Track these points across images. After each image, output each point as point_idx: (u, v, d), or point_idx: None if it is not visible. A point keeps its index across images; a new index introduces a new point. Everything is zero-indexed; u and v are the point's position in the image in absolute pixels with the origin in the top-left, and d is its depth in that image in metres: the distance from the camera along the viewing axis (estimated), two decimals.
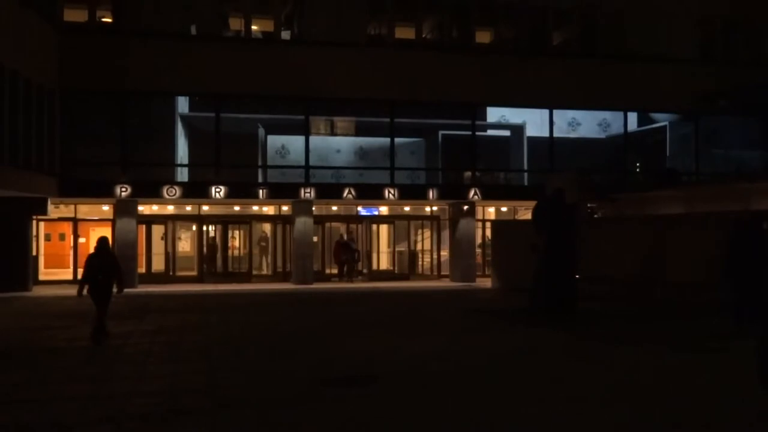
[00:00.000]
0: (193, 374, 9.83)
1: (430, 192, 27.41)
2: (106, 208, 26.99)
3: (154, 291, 23.46)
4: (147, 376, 9.71)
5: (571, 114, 30.27)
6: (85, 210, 27.45)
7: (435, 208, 29.53)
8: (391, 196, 26.78)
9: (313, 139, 27.82)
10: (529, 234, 17.35)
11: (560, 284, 15.89)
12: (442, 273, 28.97)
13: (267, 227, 29.45)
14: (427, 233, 29.91)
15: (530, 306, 16.28)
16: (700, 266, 16.17)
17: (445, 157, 29.66)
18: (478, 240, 29.25)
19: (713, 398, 8.03)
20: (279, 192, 26.50)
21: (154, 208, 27.55)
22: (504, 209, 30.68)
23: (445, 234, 29.18)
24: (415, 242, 29.99)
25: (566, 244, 16.17)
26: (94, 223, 29.42)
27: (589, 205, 22.68)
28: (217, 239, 28.19)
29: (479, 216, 29.19)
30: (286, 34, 27.65)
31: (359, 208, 28.75)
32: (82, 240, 28.88)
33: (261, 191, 26.12)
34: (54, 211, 25.47)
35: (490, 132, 30.92)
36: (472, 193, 27.39)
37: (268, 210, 29.09)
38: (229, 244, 28.38)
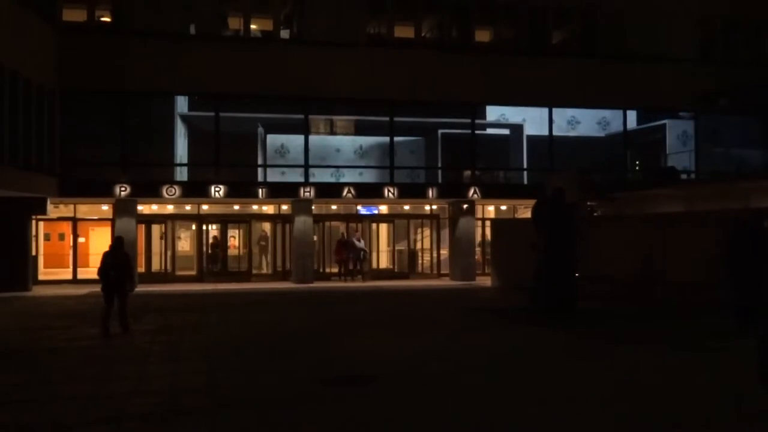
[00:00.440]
0: (194, 374, 9.83)
1: (429, 191, 27.40)
2: (105, 207, 26.99)
3: (153, 290, 23.45)
4: (147, 375, 9.71)
5: (570, 113, 30.27)
6: (84, 210, 27.46)
7: (435, 207, 29.53)
8: (390, 195, 26.77)
9: (312, 138, 27.82)
10: (528, 233, 17.35)
11: (560, 283, 15.89)
12: (442, 272, 28.97)
13: (267, 226, 29.45)
14: (427, 232, 29.91)
15: (530, 305, 16.28)
16: (701, 265, 16.17)
17: (445, 156, 29.66)
18: (478, 239, 29.26)
19: (714, 397, 8.03)
20: (279, 191, 26.50)
21: (153, 208, 27.55)
22: (504, 208, 30.69)
23: (445, 233, 29.18)
24: (415, 241, 29.99)
25: (566, 243, 16.17)
26: (94, 223, 29.46)
27: (588, 203, 22.69)
28: (211, 239, 28.19)
29: (479, 215, 29.20)
30: (285, 34, 27.65)
31: (359, 207, 28.76)
32: (81, 240, 28.91)
33: (260, 190, 26.11)
34: (53, 210, 25.47)
35: (490, 131, 30.92)
36: (471, 191, 27.39)
37: (268, 209, 29.09)
38: (229, 244, 28.38)
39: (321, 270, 28.14)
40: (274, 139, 28.79)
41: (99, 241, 29.96)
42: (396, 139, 27.80)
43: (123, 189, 24.77)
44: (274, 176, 27.79)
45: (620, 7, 28.52)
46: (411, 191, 27.70)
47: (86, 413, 7.69)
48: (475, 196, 27.39)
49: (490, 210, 30.71)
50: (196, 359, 11.05)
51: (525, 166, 29.83)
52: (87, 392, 8.67)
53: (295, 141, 27.84)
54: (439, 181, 28.74)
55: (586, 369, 9.81)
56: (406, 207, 29.61)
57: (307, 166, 26.80)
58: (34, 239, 25.41)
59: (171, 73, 25.31)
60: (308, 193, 26.23)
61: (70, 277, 26.62)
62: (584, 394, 8.25)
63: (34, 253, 25.40)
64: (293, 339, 13.00)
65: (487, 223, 29.22)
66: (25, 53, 21.71)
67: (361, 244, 27.33)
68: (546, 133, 28.57)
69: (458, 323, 15.12)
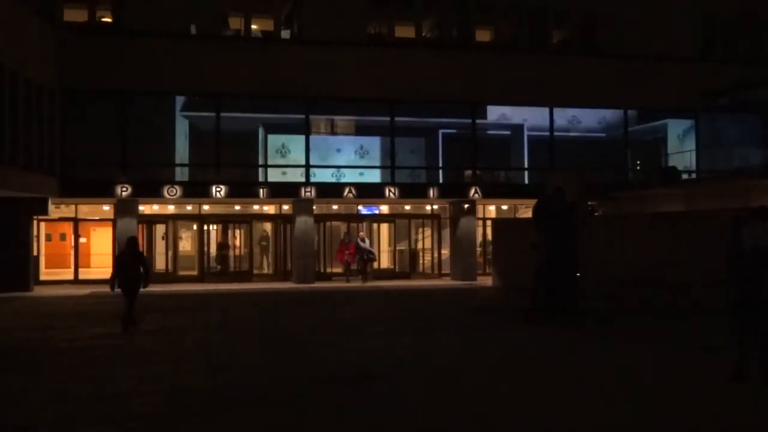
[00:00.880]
0: (194, 374, 9.84)
1: (430, 191, 27.40)
2: (106, 207, 27.01)
3: (155, 290, 23.32)
4: (148, 376, 9.71)
5: (571, 112, 30.23)
6: (85, 210, 27.48)
7: (435, 207, 29.53)
8: (391, 195, 26.77)
9: (313, 138, 27.82)
10: (529, 232, 17.34)
11: (561, 283, 15.88)
12: (443, 271, 28.97)
13: (268, 226, 29.45)
14: (428, 232, 29.91)
15: (531, 305, 16.26)
16: (702, 264, 16.15)
17: (446, 155, 29.66)
18: (479, 238, 29.25)
19: (714, 397, 8.03)
20: (279, 191, 26.51)
21: (154, 208, 27.57)
22: (504, 208, 30.69)
23: (446, 233, 29.17)
24: (416, 241, 29.99)
25: (566, 242, 16.16)
26: (95, 223, 29.48)
27: (589, 203, 22.68)
28: (219, 239, 28.20)
29: (480, 214, 29.19)
30: (286, 34, 27.66)
31: (360, 207, 28.75)
32: (83, 240, 28.92)
33: (261, 190, 26.12)
34: (54, 211, 25.48)
35: (491, 130, 30.91)
36: (472, 191, 27.38)
37: (269, 209, 29.10)
38: (230, 244, 28.38)
39: (322, 270, 28.13)
40: (274, 139, 28.79)
41: (100, 242, 30.03)
42: (397, 138, 27.79)
43: (124, 189, 24.78)
44: (274, 176, 27.79)
45: (620, 6, 28.51)
46: (412, 191, 27.70)
47: (87, 413, 7.69)
48: (476, 195, 27.39)
49: (491, 210, 30.71)
50: (197, 359, 11.05)
51: (526, 165, 29.82)
52: (88, 392, 8.67)
53: (296, 141, 27.84)
54: (440, 181, 28.74)
55: (587, 368, 9.80)
56: (407, 207, 29.61)
57: (308, 166, 26.81)
58: (35, 239, 25.43)
59: (172, 73, 25.33)
60: (309, 193, 26.23)
61: (71, 277, 26.62)
62: (585, 394, 8.26)
63: (35, 253, 25.41)
64: (295, 338, 13.00)
65: (488, 222, 29.21)
66: (25, 53, 21.73)
67: (366, 244, 26.85)
68: (547, 132, 28.57)
69: (459, 323, 15.11)
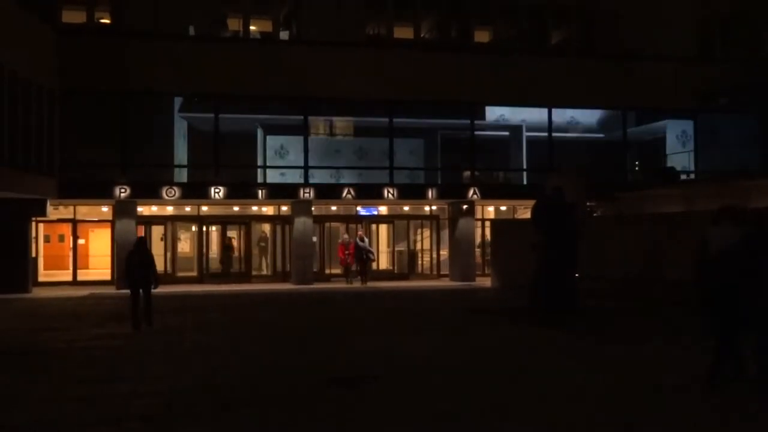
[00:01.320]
0: (194, 375, 9.82)
1: (429, 191, 27.42)
2: (105, 209, 27.00)
3: (154, 292, 23.36)
4: (147, 376, 9.70)
5: (570, 113, 30.27)
6: (84, 211, 27.46)
7: (434, 208, 29.53)
8: (390, 195, 26.78)
9: (312, 139, 27.83)
10: (528, 233, 17.33)
11: (560, 283, 15.87)
12: (442, 272, 28.97)
13: (266, 227, 29.45)
14: (427, 233, 29.91)
15: (530, 305, 16.25)
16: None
17: (444, 156, 29.68)
18: (478, 239, 29.26)
19: (715, 395, 8.02)
20: (278, 192, 26.52)
21: (153, 209, 27.55)
22: (503, 208, 30.70)
23: (445, 233, 29.19)
24: (415, 242, 29.99)
25: (566, 242, 16.14)
26: (94, 224, 29.47)
27: (588, 203, 22.68)
28: (217, 240, 28.19)
29: (478, 215, 29.21)
30: (284, 35, 27.68)
31: (359, 208, 28.75)
32: (81, 241, 28.91)
33: (260, 191, 26.13)
34: (53, 212, 25.48)
35: (489, 131, 30.91)
36: (471, 192, 27.39)
37: (268, 210, 29.09)
38: (235, 245, 28.36)
39: (321, 271, 28.12)
40: (273, 140, 28.80)
41: (99, 243, 30.02)
42: (395, 139, 27.80)
43: (123, 190, 24.77)
44: (273, 177, 27.81)
45: (619, 7, 28.54)
46: (410, 192, 27.71)
47: (86, 414, 7.68)
48: (475, 196, 27.40)
49: (490, 210, 30.72)
50: (197, 360, 11.03)
51: (524, 166, 29.83)
52: (87, 393, 8.65)
53: (295, 142, 27.84)
54: (439, 181, 28.76)
55: (587, 368, 9.79)
56: (406, 208, 29.61)
57: (306, 167, 26.81)
58: (33, 241, 25.42)
59: (170, 74, 25.33)
60: (308, 194, 26.24)
61: (70, 278, 26.62)
62: (585, 394, 8.24)
63: (33, 254, 25.40)
64: (294, 339, 12.99)
65: (487, 223, 29.24)
66: (24, 54, 21.73)
67: (365, 244, 26.51)
68: (545, 133, 28.58)
69: (458, 324, 15.10)
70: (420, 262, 29.96)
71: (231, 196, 25.73)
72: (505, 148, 30.77)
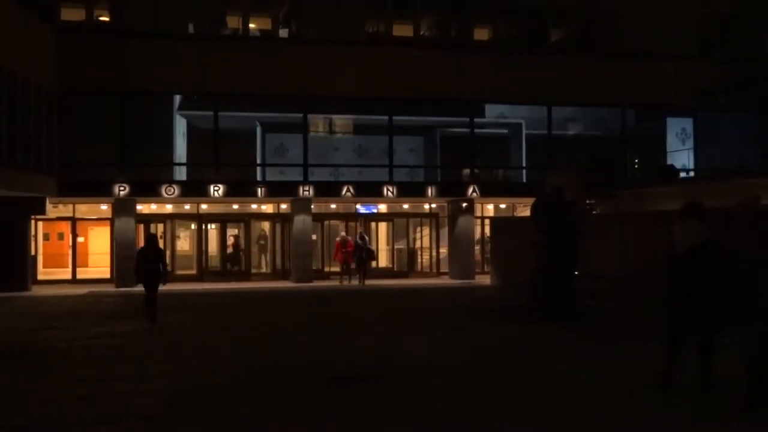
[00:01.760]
0: (194, 373, 9.82)
1: (428, 189, 27.41)
2: (104, 207, 26.99)
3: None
4: (147, 375, 9.70)
5: (569, 110, 30.26)
6: (83, 209, 27.44)
7: (434, 206, 29.53)
8: (389, 193, 26.78)
9: (311, 137, 27.81)
10: (528, 231, 17.33)
11: (559, 281, 15.87)
12: (441, 270, 28.98)
13: (266, 225, 29.44)
14: (426, 231, 29.91)
15: (530, 303, 16.26)
16: None
17: (444, 154, 29.69)
18: (477, 237, 29.25)
19: (714, 393, 8.03)
20: (278, 190, 26.52)
21: (152, 207, 27.54)
22: (503, 206, 30.69)
23: (444, 231, 29.19)
24: (414, 240, 29.98)
25: (565, 240, 16.14)
26: (93, 223, 29.44)
27: (588, 201, 22.68)
28: (216, 238, 28.18)
29: (478, 213, 29.20)
30: (284, 33, 27.65)
31: (358, 206, 28.74)
32: (80, 239, 28.89)
33: (260, 189, 26.13)
34: (52, 210, 25.48)
35: (489, 129, 30.91)
36: (470, 190, 27.39)
37: (267, 208, 29.08)
38: (228, 243, 28.37)
39: (321, 269, 28.11)
40: (273, 138, 28.80)
41: (98, 241, 30.00)
42: (395, 137, 27.78)
43: (122, 188, 24.77)
44: (273, 175, 27.81)
45: (618, 5, 28.51)
46: (410, 190, 27.70)
47: (86, 413, 7.68)
48: (474, 194, 27.40)
49: (489, 208, 30.72)
50: (197, 358, 11.03)
51: (524, 164, 29.83)
52: (87, 392, 8.66)
53: (294, 140, 27.82)
54: (438, 179, 28.76)
55: (585, 367, 9.80)
56: (405, 206, 29.61)
57: (306, 165, 26.80)
58: (33, 239, 25.43)
59: (170, 73, 25.30)
60: (307, 192, 26.23)
61: (69, 276, 26.62)
62: (583, 394, 8.25)
63: (33, 252, 25.41)
64: (294, 337, 13.00)
65: (487, 221, 29.24)
66: (23, 53, 21.71)
67: (365, 242, 26.09)
68: (545, 131, 28.57)
69: (458, 322, 15.10)
70: (419, 260, 29.96)
71: (230, 194, 25.73)
72: (504, 145, 30.76)
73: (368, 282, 25.72)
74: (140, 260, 15.26)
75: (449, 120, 29.48)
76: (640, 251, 18.66)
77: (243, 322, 15.57)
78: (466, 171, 28.64)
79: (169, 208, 27.74)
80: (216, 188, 25.26)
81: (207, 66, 25.49)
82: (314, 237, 27.72)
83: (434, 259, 29.45)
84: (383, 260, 29.63)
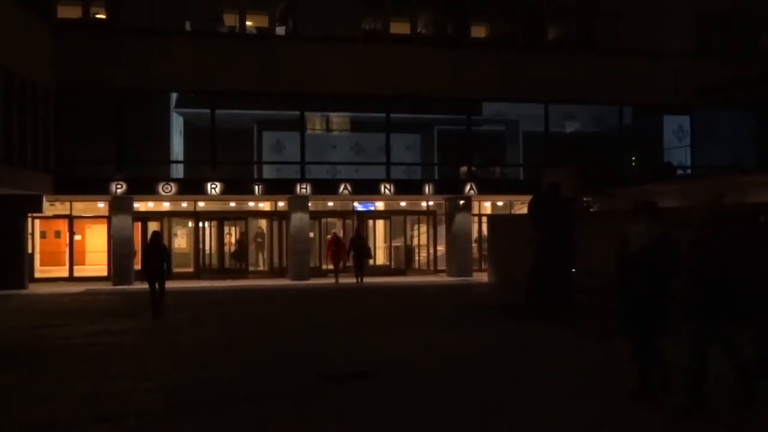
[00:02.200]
0: (191, 371, 9.83)
1: (426, 187, 27.42)
2: (101, 205, 26.94)
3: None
4: (145, 373, 9.70)
5: (566, 108, 30.25)
6: (80, 207, 27.39)
7: (431, 203, 29.52)
8: (387, 191, 26.78)
9: (308, 134, 27.79)
10: (525, 228, 17.35)
11: (556, 279, 15.89)
12: (439, 268, 28.98)
13: (263, 223, 29.42)
14: (424, 228, 29.91)
15: (526, 301, 16.28)
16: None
17: (441, 152, 29.68)
18: (475, 235, 29.26)
19: (713, 392, 8.04)
20: (275, 188, 26.51)
21: (149, 205, 27.48)
22: (500, 204, 30.68)
23: (442, 229, 29.19)
24: (412, 237, 29.98)
25: (562, 238, 16.16)
26: (90, 221, 29.37)
27: (585, 199, 22.69)
28: (214, 236, 28.16)
29: (475, 211, 29.20)
30: (280, 30, 27.61)
31: (355, 204, 28.73)
32: (77, 237, 28.84)
33: (257, 187, 26.12)
34: (49, 208, 25.44)
35: (486, 126, 30.91)
36: (468, 187, 27.41)
37: (264, 206, 29.04)
38: (225, 241, 28.36)
39: (318, 267, 28.10)
40: (269, 136, 28.77)
41: (95, 239, 29.94)
42: (392, 135, 27.77)
43: (119, 186, 24.75)
44: (270, 173, 27.79)
45: (617, 3, 28.52)
46: (407, 187, 27.70)
47: (84, 412, 7.67)
48: (472, 192, 27.41)
49: (487, 206, 30.71)
50: (195, 356, 11.04)
51: (521, 161, 29.85)
52: (85, 390, 8.65)
53: (291, 138, 27.80)
54: (436, 177, 28.77)
55: (583, 365, 9.81)
56: (403, 203, 29.58)
57: (303, 163, 26.78)
58: (30, 237, 25.37)
59: (166, 70, 25.26)
60: (304, 190, 26.22)
61: (66, 274, 26.58)
62: (582, 392, 8.26)
63: (30, 250, 25.36)
64: (292, 335, 13.01)
65: (484, 219, 29.24)
66: (20, 52, 21.65)
67: (362, 241, 25.79)
68: (542, 128, 28.58)
69: (455, 320, 15.11)
70: (417, 257, 29.95)
71: (227, 191, 25.73)
72: (501, 143, 30.77)
73: (365, 280, 25.71)
74: (145, 257, 16.11)
75: (447, 117, 29.48)
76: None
77: (240, 320, 15.57)
78: (464, 168, 28.65)
79: (166, 205, 27.68)
80: (213, 186, 25.25)
81: (204, 64, 25.45)
82: (311, 235, 27.71)
83: (432, 257, 29.45)
84: (381, 258, 29.63)
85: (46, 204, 24.39)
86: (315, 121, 30.09)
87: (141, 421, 7.29)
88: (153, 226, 27.03)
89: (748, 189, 20.96)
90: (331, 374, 9.26)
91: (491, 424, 7.08)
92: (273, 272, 27.98)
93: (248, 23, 27.31)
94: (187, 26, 26.79)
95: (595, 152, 29.48)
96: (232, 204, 28.63)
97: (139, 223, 26.57)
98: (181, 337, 13.08)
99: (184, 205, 27.69)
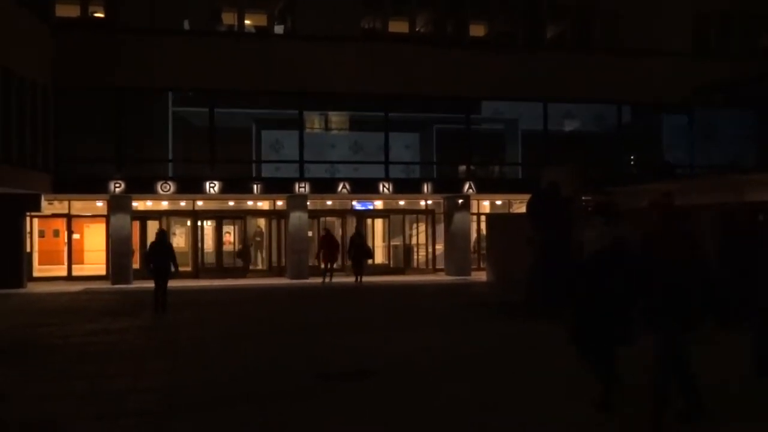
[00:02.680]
0: (190, 370, 9.82)
1: (424, 186, 27.42)
2: (100, 204, 26.92)
3: (149, 287, 23.32)
4: (144, 372, 9.69)
5: (565, 107, 30.23)
6: (79, 206, 27.36)
7: (430, 202, 29.51)
8: (385, 190, 26.77)
9: (307, 133, 27.77)
10: (524, 227, 17.34)
11: (555, 278, 15.87)
12: (437, 267, 28.97)
13: (262, 222, 29.39)
14: (422, 227, 29.90)
15: (525, 300, 16.27)
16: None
17: (440, 151, 29.66)
18: (473, 234, 29.25)
19: (710, 390, 8.05)
20: (273, 187, 26.49)
21: (148, 204, 27.45)
22: (499, 203, 30.67)
23: (440, 228, 29.18)
24: (410, 236, 29.97)
25: (561, 237, 16.14)
26: (88, 220, 29.34)
27: (584, 198, 22.68)
28: (212, 235, 28.15)
29: (474, 210, 29.19)
30: (279, 29, 27.59)
31: (354, 203, 28.72)
32: (76, 236, 28.81)
33: (255, 186, 26.11)
34: (48, 207, 25.41)
35: (485, 125, 30.90)
36: (466, 186, 27.40)
37: (263, 205, 29.02)
38: (224, 240, 28.34)
39: (316, 266, 28.01)
40: (268, 135, 28.74)
41: (94, 238, 29.91)
42: (391, 134, 27.75)
43: (117, 185, 24.72)
44: (268, 172, 27.75)
45: (616, 2, 28.50)
46: (406, 186, 27.69)
47: (82, 410, 7.66)
48: (470, 191, 27.40)
49: (485, 205, 30.69)
50: (193, 355, 11.03)
51: (520, 160, 29.85)
52: (83, 389, 8.64)
53: (290, 137, 27.77)
54: (435, 176, 28.75)
55: (582, 364, 9.80)
56: (401, 202, 29.58)
57: (301, 162, 26.77)
58: (28, 236, 25.34)
59: (165, 69, 25.23)
60: (303, 189, 26.21)
61: (64, 274, 26.56)
62: (580, 391, 8.25)
63: (28, 250, 25.33)
64: (290, 334, 13.00)
65: (483, 218, 29.22)
66: (18, 51, 21.63)
67: (362, 240, 25.43)
68: (541, 127, 28.58)
69: (454, 319, 15.12)
70: (415, 256, 29.93)
71: (226, 190, 25.71)
72: (500, 142, 30.76)
73: (364, 279, 25.67)
74: (151, 255, 16.52)
75: (445, 116, 29.47)
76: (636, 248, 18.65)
77: (239, 319, 15.56)
78: (462, 167, 28.64)
79: (164, 204, 27.66)
80: (211, 185, 25.23)
81: (202, 63, 25.42)
82: (310, 234, 27.69)
83: (430, 256, 29.44)
84: (379, 257, 29.59)
85: (44, 203, 24.36)
86: (314, 120, 30.06)
87: (140, 420, 7.29)
88: (152, 225, 27.07)
89: (747, 188, 20.97)
90: (330, 373, 9.26)
91: (491, 424, 7.08)
92: (272, 271, 27.96)
93: (247, 22, 27.29)
94: (186, 25, 26.77)
95: (594, 151, 29.49)
96: (231, 203, 28.61)
97: (138, 223, 26.54)
98: (180, 336, 13.07)
99: (183, 204, 27.67)
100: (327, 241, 24.89)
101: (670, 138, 30.79)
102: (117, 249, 25.06)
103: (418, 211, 29.89)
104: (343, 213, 28.84)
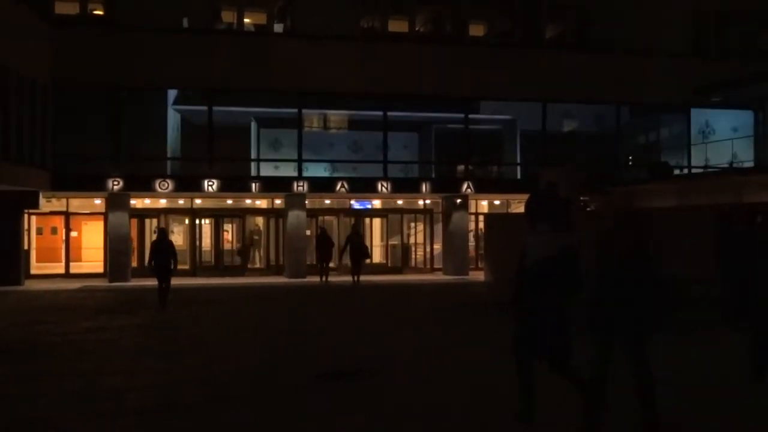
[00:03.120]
0: (188, 368, 9.81)
1: (423, 185, 27.43)
2: (98, 201, 26.90)
3: (147, 285, 23.33)
4: (141, 370, 9.69)
5: (564, 107, 30.25)
6: (77, 204, 27.34)
7: (428, 202, 29.52)
8: (384, 189, 26.77)
9: (306, 132, 27.77)
10: (522, 228, 17.31)
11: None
12: (435, 266, 28.99)
13: (260, 221, 29.40)
14: (420, 227, 29.92)
15: (512, 299, 16.22)
16: (694, 260, 16.19)
17: (438, 150, 29.68)
18: (472, 233, 29.26)
19: (710, 391, 8.07)
20: (272, 185, 26.48)
21: (146, 202, 27.47)
22: (497, 203, 30.69)
23: (438, 227, 29.19)
24: (408, 236, 29.99)
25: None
26: (86, 217, 29.35)
27: (582, 198, 22.69)
28: (210, 233, 28.14)
29: (472, 209, 29.20)
30: (279, 28, 27.58)
31: (352, 202, 28.73)
32: (74, 234, 28.81)
33: (254, 185, 26.10)
34: (46, 204, 25.40)
35: (483, 125, 30.91)
36: (465, 186, 27.40)
37: (261, 204, 29.03)
38: (225, 238, 28.33)
39: (315, 264, 28.01)
40: (267, 134, 28.75)
41: (91, 236, 29.93)
42: (389, 133, 27.76)
43: (116, 183, 24.70)
44: (267, 170, 27.75)
45: (614, 2, 28.51)
46: (404, 186, 27.71)
47: (79, 408, 7.65)
48: (469, 190, 27.41)
49: (484, 205, 30.71)
50: (191, 353, 11.02)
51: (518, 160, 29.87)
52: (80, 387, 8.63)
53: (289, 135, 27.77)
54: (433, 175, 28.77)
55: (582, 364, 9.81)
56: (400, 202, 29.60)
57: (300, 161, 26.77)
58: (26, 233, 25.33)
59: (164, 67, 25.21)
60: (301, 188, 26.20)
61: (62, 271, 26.55)
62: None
63: (26, 247, 25.32)
64: (288, 333, 13.00)
65: (481, 217, 29.22)
66: (17, 48, 21.60)
67: (360, 239, 24.97)
68: (539, 127, 28.59)
69: (453, 319, 15.14)
70: (413, 256, 29.95)
71: (224, 189, 25.70)
72: (499, 142, 30.78)
73: (362, 278, 25.64)
74: (153, 253, 16.62)
75: (444, 116, 29.49)
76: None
77: (237, 318, 15.56)
78: (461, 167, 28.65)
79: (162, 202, 27.67)
80: (210, 183, 25.22)
81: (201, 61, 25.40)
82: (308, 233, 27.68)
83: (428, 255, 29.45)
84: (377, 256, 29.60)
85: (42, 200, 24.33)
86: (313, 119, 30.07)
87: (138, 418, 7.28)
88: (149, 223, 27.12)
89: (746, 189, 21.00)
90: (329, 373, 9.25)
91: (491, 423, 7.08)
92: (270, 270, 27.96)
93: (246, 20, 27.28)
94: (185, 23, 26.74)
95: (592, 151, 29.52)
96: (229, 201, 28.61)
97: (136, 220, 26.53)
98: (178, 334, 13.07)
99: (181, 202, 27.68)
100: (322, 240, 24.83)
101: (668, 138, 30.80)
102: (115, 247, 25.05)
103: (417, 211, 29.92)
104: (342, 212, 28.82)
